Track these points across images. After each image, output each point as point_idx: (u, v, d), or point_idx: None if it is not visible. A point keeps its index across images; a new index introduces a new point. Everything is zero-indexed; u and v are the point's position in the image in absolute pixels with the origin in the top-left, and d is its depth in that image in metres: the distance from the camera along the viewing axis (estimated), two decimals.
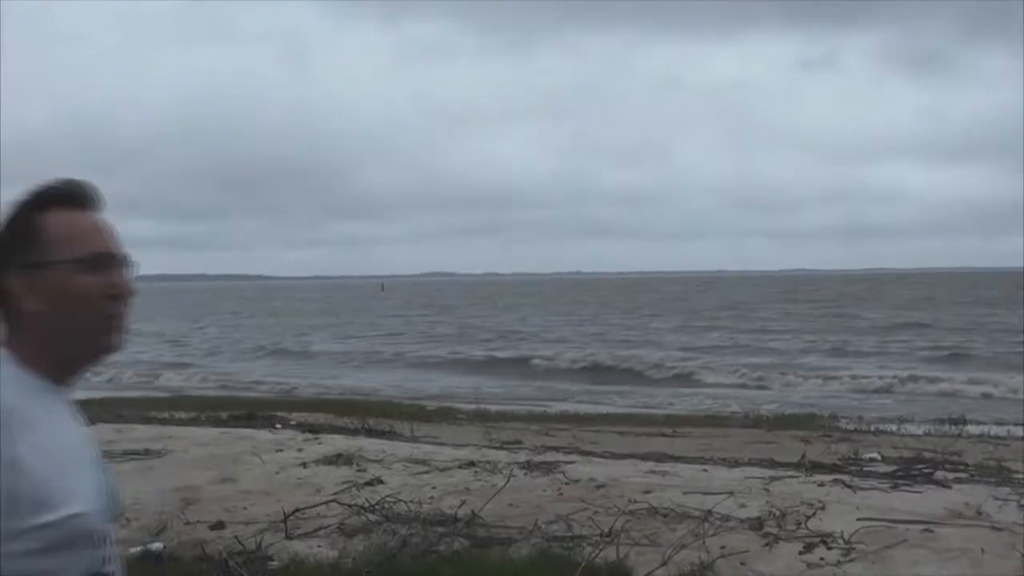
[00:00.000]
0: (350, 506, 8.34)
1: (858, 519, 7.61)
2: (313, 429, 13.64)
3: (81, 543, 1.99)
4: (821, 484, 8.99)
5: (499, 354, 47.67)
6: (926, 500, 8.35)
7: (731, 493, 8.47)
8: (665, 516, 7.88)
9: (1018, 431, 19.30)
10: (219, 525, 8.13)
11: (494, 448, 12.04)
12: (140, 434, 12.71)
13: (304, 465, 10.19)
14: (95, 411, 17.64)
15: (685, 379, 36.75)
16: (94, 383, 35.12)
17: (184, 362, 47.08)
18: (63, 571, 1.97)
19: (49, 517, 1.93)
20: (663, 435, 16.94)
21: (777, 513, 7.86)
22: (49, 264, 2.04)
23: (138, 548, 7.72)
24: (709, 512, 7.82)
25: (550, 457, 10.68)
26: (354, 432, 13.78)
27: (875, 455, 12.21)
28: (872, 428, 19.03)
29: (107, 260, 2.09)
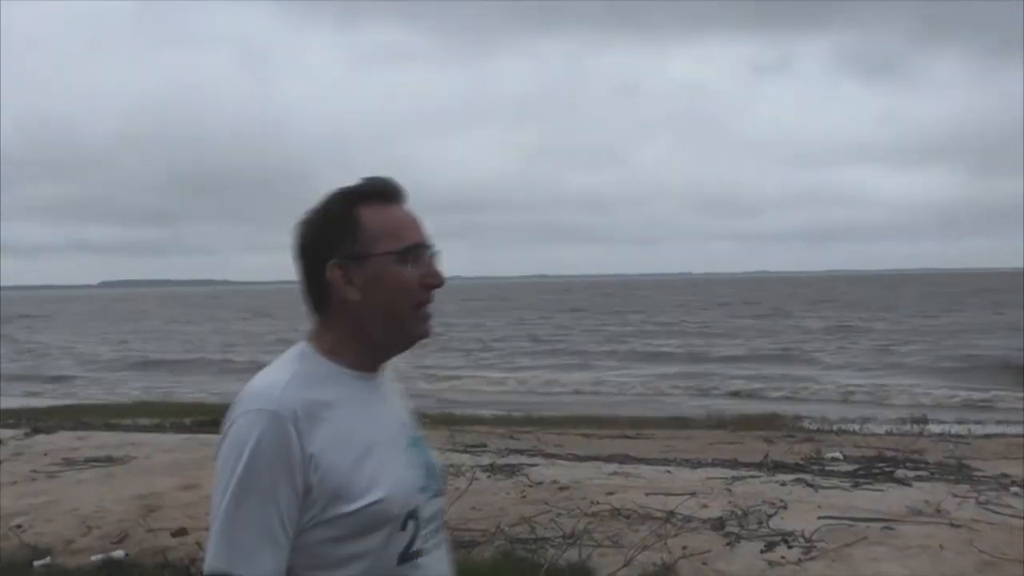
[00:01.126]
0: None
1: (819, 517, 7.67)
2: None
3: (384, 526, 2.14)
4: (783, 484, 9.05)
5: None
6: (887, 498, 8.42)
7: (693, 494, 8.50)
8: (628, 517, 7.90)
9: (979, 429, 19.50)
10: (181, 532, 8.09)
11: (458, 451, 12.02)
12: (103, 441, 12.63)
13: None
14: (57, 418, 17.55)
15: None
16: (54, 392, 34.95)
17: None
18: (370, 553, 2.12)
19: (347, 508, 2.09)
20: (627, 437, 16.96)
21: (739, 513, 7.91)
22: (371, 256, 2.21)
23: (100, 556, 7.69)
24: (671, 513, 7.85)
25: (514, 460, 10.69)
26: None
27: (837, 454, 12.30)
28: (835, 428, 19.15)
29: (422, 251, 2.27)
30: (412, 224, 2.28)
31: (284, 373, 2.17)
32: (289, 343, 2.34)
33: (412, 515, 2.20)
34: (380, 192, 2.27)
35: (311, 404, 2.11)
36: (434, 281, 2.27)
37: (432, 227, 2.31)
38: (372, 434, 2.21)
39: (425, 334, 2.30)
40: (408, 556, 2.20)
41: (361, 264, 2.21)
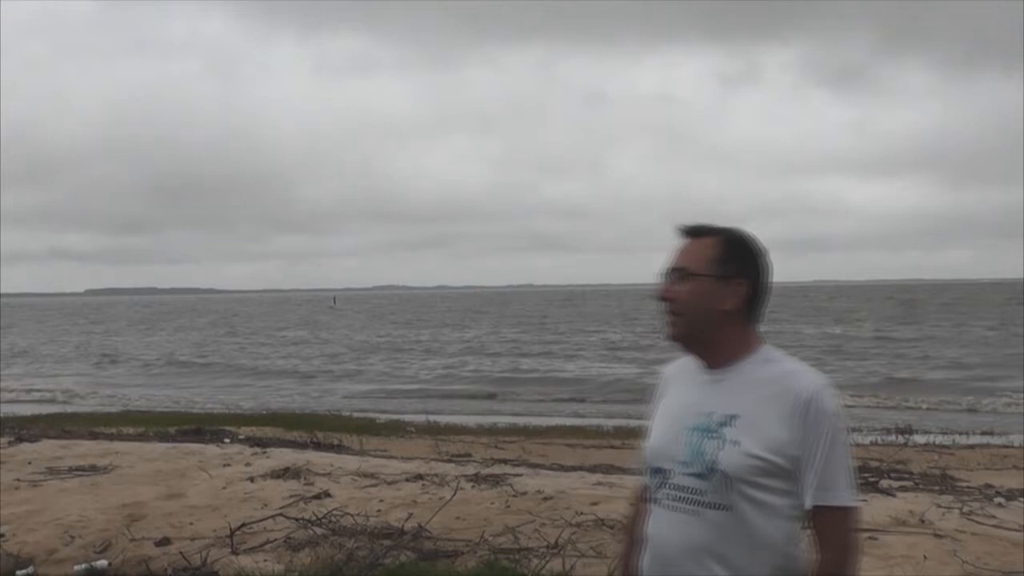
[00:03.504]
0: (297, 520, 8.30)
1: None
2: (261, 443, 13.55)
3: (646, 466, 3.09)
4: None
5: None
6: (871, 508, 8.41)
7: None
8: (611, 527, 7.88)
9: (963, 440, 19.55)
10: (165, 541, 8.06)
11: (443, 461, 12.02)
12: (86, 450, 12.56)
13: (251, 479, 10.12)
14: (41, 427, 17.47)
15: None
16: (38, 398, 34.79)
17: None
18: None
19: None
20: (612, 447, 17.01)
21: None
22: None
23: (82, 566, 7.66)
24: None
25: (498, 470, 10.66)
26: (302, 446, 13.72)
27: None
28: None
29: (664, 272, 3.07)
30: (672, 254, 3.07)
31: (680, 358, 3.18)
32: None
33: (658, 472, 3.01)
34: (683, 231, 3.10)
35: (666, 379, 3.21)
36: (657, 295, 3.07)
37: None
38: (671, 408, 3.08)
39: (666, 336, 3.08)
40: (652, 498, 3.05)
41: None
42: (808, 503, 2.88)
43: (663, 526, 2.98)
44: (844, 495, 2.87)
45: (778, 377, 2.93)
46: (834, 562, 2.88)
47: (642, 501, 3.19)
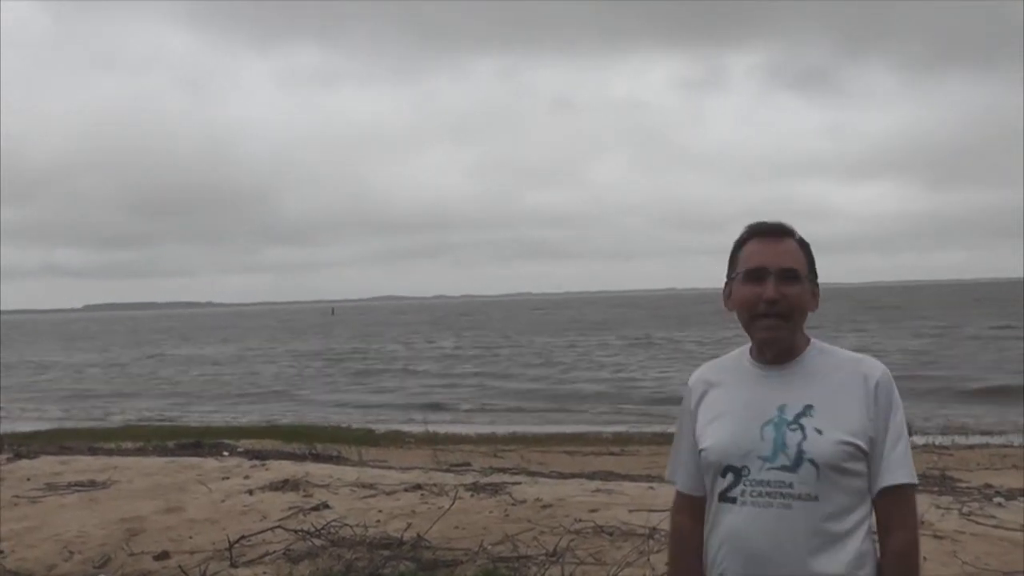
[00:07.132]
0: (296, 532, 8.29)
1: None
2: (260, 456, 13.54)
3: (708, 469, 3.05)
4: None
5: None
6: None
7: None
8: (611, 534, 7.89)
9: (962, 440, 19.56)
10: (164, 555, 8.05)
11: (441, 471, 12.01)
12: (85, 465, 12.55)
13: (250, 492, 10.12)
14: (40, 443, 17.45)
15: None
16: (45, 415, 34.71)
17: None
18: (710, 484, 3.06)
19: (699, 448, 3.08)
20: (611, 454, 17.03)
21: None
22: (731, 278, 3.09)
23: None
24: (654, 529, 7.83)
25: (497, 478, 10.65)
26: (301, 458, 13.71)
27: None
28: None
29: (759, 273, 3.00)
30: (759, 253, 3.02)
31: (711, 361, 3.25)
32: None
33: (732, 469, 2.98)
34: (757, 231, 3.07)
35: (704, 381, 3.15)
36: (763, 296, 2.97)
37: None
38: (731, 406, 3.04)
39: (763, 339, 3.03)
40: (724, 498, 2.99)
41: (730, 284, 3.08)
42: (882, 483, 2.95)
43: (750, 523, 2.94)
44: (912, 472, 2.98)
45: (843, 364, 3.03)
46: (910, 541, 2.98)
47: (692, 510, 3.18)
